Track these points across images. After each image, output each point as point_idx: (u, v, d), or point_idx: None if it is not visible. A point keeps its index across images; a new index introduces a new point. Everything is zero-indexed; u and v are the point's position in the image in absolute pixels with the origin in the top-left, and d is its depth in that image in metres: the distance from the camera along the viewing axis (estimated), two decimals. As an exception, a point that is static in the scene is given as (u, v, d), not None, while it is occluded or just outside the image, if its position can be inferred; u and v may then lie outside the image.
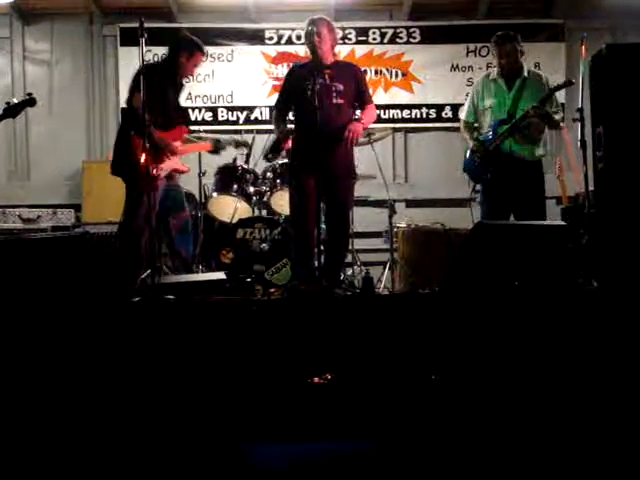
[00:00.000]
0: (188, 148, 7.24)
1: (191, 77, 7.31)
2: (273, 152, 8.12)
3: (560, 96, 10.45)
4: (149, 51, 6.53)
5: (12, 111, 6.29)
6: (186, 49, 6.91)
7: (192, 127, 7.90)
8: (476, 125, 7.44)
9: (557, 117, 7.10)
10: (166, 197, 6.86)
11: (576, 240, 6.00)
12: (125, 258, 6.66)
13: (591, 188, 5.78)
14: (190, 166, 7.59)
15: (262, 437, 4.28)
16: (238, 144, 8.10)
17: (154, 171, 6.48)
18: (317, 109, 6.38)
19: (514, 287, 5.14)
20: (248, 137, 8.79)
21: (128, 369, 4.59)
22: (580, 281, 5.46)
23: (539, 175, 7.17)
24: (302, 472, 4.08)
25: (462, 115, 7.59)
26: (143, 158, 6.04)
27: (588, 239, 5.86)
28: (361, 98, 6.92)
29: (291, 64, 8.47)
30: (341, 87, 6.73)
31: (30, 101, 6.40)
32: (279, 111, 7.15)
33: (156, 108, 6.25)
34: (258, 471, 4.14)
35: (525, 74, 7.22)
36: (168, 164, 6.80)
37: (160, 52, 7.54)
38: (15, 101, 6.35)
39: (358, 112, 6.96)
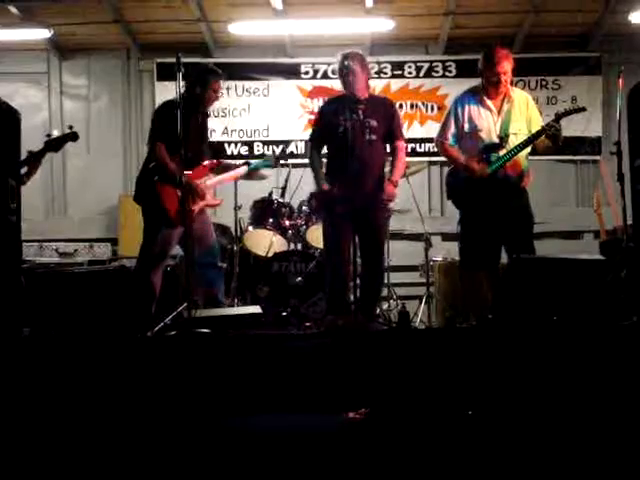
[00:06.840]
0: (223, 179, 7.15)
1: (212, 106, 7.21)
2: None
3: (597, 129, 10.57)
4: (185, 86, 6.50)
5: (54, 145, 6.29)
6: (207, 80, 6.76)
7: (228, 161, 7.85)
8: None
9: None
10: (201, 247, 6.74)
11: (615, 274, 5.92)
12: (137, 291, 6.56)
13: (629, 222, 5.72)
14: (226, 200, 7.60)
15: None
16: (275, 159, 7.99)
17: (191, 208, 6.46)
18: (350, 145, 6.38)
19: (553, 322, 5.09)
20: (283, 171, 8.86)
21: (159, 399, 4.59)
22: (619, 316, 5.39)
23: (528, 200, 6.63)
24: None
25: (444, 137, 6.79)
26: (172, 206, 6.24)
27: (627, 273, 5.79)
28: (391, 134, 6.83)
29: (326, 98, 8.45)
30: (375, 123, 6.65)
31: (73, 135, 6.36)
32: (314, 145, 7.03)
33: (182, 144, 5.91)
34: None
35: (512, 94, 6.64)
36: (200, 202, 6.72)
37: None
38: (56, 133, 6.34)
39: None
